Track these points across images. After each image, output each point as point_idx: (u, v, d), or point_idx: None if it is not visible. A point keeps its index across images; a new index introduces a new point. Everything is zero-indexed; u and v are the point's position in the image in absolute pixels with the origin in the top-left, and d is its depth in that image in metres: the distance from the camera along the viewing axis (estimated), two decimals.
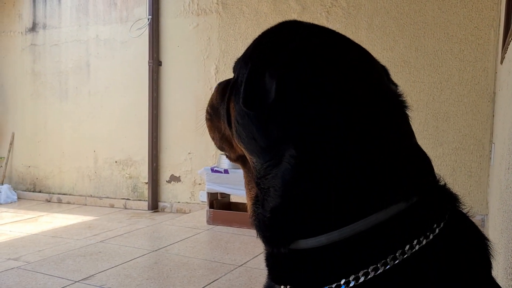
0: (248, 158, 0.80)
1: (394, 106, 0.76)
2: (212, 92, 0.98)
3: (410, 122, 0.78)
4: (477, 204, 4.15)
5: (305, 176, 0.69)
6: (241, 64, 0.81)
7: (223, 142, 0.91)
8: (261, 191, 0.76)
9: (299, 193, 0.70)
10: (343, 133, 0.69)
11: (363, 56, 0.79)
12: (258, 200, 0.77)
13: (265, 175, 0.74)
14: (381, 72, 0.81)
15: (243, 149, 0.80)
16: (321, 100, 0.70)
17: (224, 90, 0.90)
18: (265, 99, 0.70)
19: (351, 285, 0.67)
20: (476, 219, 4.04)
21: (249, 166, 0.81)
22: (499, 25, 3.88)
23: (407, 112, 0.78)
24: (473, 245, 0.73)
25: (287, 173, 0.70)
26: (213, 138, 0.97)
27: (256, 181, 0.77)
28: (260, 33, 0.83)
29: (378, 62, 0.81)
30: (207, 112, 0.97)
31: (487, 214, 4.03)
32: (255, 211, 0.78)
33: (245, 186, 0.85)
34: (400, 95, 0.78)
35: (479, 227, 0.73)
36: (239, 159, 0.88)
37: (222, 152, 0.98)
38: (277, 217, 0.72)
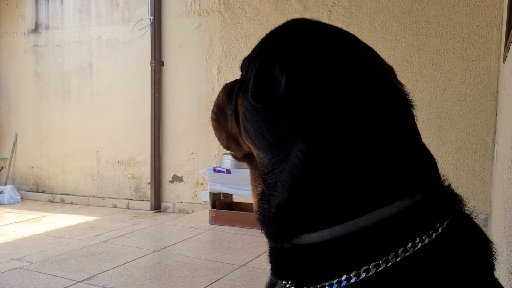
0: (255, 154, 0.80)
1: (401, 104, 0.77)
2: (218, 93, 0.98)
3: (416, 121, 0.79)
4: (481, 203, 4.14)
5: (313, 170, 0.69)
6: (250, 61, 0.81)
7: (229, 141, 0.92)
8: (268, 187, 0.76)
9: (306, 187, 0.70)
10: (351, 128, 0.69)
11: (371, 54, 0.80)
12: (264, 196, 0.77)
13: (272, 170, 0.74)
14: (388, 71, 0.81)
15: (250, 146, 0.80)
16: (330, 94, 0.70)
17: (231, 89, 0.90)
18: (274, 92, 0.71)
19: (352, 281, 0.66)
20: (479, 219, 4.03)
21: (256, 163, 0.81)
22: (502, 23, 3.86)
23: (413, 111, 0.78)
24: (475, 246, 0.73)
25: (295, 168, 0.70)
26: (219, 138, 0.97)
27: (263, 176, 0.77)
28: (267, 33, 0.84)
29: (385, 61, 0.82)
30: (213, 112, 0.97)
31: (490, 213, 4.01)
32: (260, 206, 0.78)
33: (251, 183, 0.86)
34: (406, 94, 0.78)
35: (482, 227, 0.73)
36: (245, 157, 0.88)
37: (228, 152, 0.98)
38: (283, 211, 0.73)
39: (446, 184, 0.77)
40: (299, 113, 0.70)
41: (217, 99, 0.97)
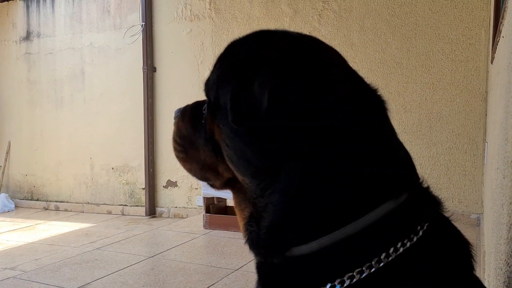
0: (240, 179, 0.78)
1: (378, 103, 0.76)
2: (175, 121, 0.93)
3: (390, 118, 0.78)
4: (472, 203, 4.16)
5: (304, 186, 0.69)
6: (218, 84, 0.78)
7: (205, 172, 0.87)
8: (257, 210, 0.74)
9: (297, 203, 0.69)
10: (337, 137, 0.69)
11: (338, 54, 0.79)
12: (251, 219, 0.76)
13: (262, 194, 0.73)
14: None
15: (236, 173, 0.77)
16: (314, 104, 0.69)
17: (194, 117, 0.87)
18: (257, 111, 0.68)
19: None
20: (471, 218, 4.05)
21: (239, 187, 0.80)
22: (490, 24, 3.90)
23: (386, 106, 0.77)
24: (455, 248, 0.74)
25: (287, 186, 0.70)
26: (190, 171, 0.91)
27: (252, 201, 0.75)
28: (223, 51, 0.81)
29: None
30: (177, 143, 0.91)
31: (482, 213, 4.04)
32: (247, 229, 0.77)
33: (235, 207, 0.83)
34: (377, 90, 0.78)
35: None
36: (226, 185, 0.85)
37: (205, 183, 0.92)
38: (274, 231, 0.72)
39: (425, 185, 0.78)
40: (286, 130, 0.69)
41: (178, 128, 0.92)
